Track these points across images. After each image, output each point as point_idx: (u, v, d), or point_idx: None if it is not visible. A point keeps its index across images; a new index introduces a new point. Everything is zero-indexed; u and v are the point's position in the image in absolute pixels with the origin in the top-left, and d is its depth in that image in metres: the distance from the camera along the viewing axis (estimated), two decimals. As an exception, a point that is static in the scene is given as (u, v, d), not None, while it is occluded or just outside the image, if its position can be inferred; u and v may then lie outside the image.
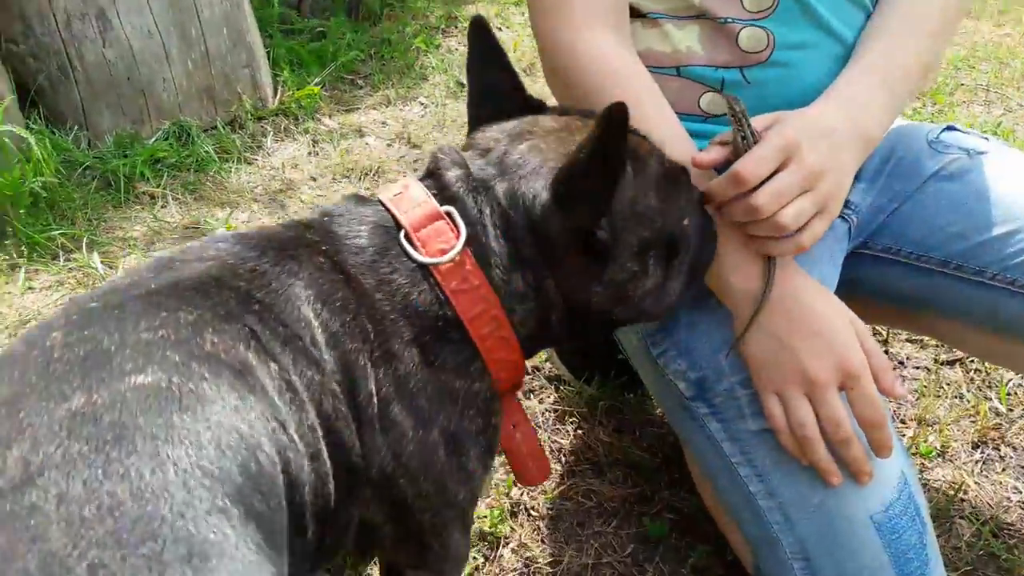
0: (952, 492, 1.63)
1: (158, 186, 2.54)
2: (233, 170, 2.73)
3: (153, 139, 2.75)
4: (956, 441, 1.76)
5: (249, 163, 2.79)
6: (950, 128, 1.46)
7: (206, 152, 2.72)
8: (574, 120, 1.03)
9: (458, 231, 0.92)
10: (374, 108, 3.28)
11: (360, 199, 0.99)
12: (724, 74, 1.28)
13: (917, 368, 1.99)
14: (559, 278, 0.96)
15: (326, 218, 0.95)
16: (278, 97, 3.20)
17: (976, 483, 1.66)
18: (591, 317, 1.00)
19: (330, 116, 3.17)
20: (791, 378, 1.10)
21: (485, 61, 1.07)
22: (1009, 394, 1.90)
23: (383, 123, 3.17)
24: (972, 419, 1.81)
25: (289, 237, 0.91)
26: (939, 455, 1.73)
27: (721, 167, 1.11)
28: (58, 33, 2.65)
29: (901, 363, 2.00)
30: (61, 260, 2.16)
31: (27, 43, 2.65)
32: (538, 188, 0.93)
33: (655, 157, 1.03)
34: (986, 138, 1.44)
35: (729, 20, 1.25)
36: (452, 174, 0.96)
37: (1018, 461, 1.73)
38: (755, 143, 1.05)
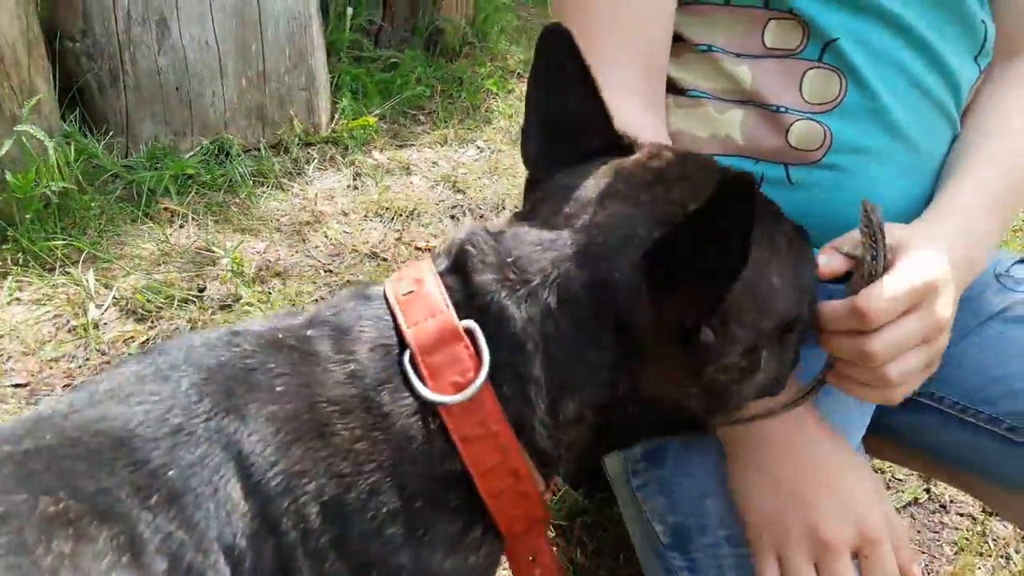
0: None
1: (182, 204, 2.46)
2: (265, 195, 2.63)
3: (190, 154, 2.68)
4: (995, 618, 1.52)
5: (285, 190, 2.69)
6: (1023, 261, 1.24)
7: (240, 173, 2.63)
8: (669, 167, 0.80)
9: (479, 359, 0.72)
10: (428, 146, 3.17)
11: (363, 297, 0.78)
12: (765, 169, 1.08)
13: (961, 515, 1.74)
14: (640, 378, 0.75)
15: (311, 330, 0.75)
16: (332, 125, 3.12)
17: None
18: (672, 418, 0.80)
19: (381, 150, 3.07)
20: (798, 539, 0.91)
21: (557, 77, 0.81)
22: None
23: (434, 163, 3.05)
24: (1019, 592, 1.58)
25: (243, 369, 0.71)
26: (971, 634, 1.50)
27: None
28: (116, 35, 2.59)
29: (943, 507, 1.76)
30: (56, 272, 2.08)
31: (84, 42, 2.60)
32: (623, 268, 0.72)
33: (778, 220, 0.83)
34: None
35: (782, 109, 1.05)
36: (484, 278, 0.74)
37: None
38: (884, 269, 0.87)
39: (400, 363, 0.72)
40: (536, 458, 0.75)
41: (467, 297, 0.74)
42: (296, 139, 2.94)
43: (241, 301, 2.08)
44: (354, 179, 2.84)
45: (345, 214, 2.62)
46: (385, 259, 2.40)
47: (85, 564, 0.58)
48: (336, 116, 3.16)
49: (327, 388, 0.71)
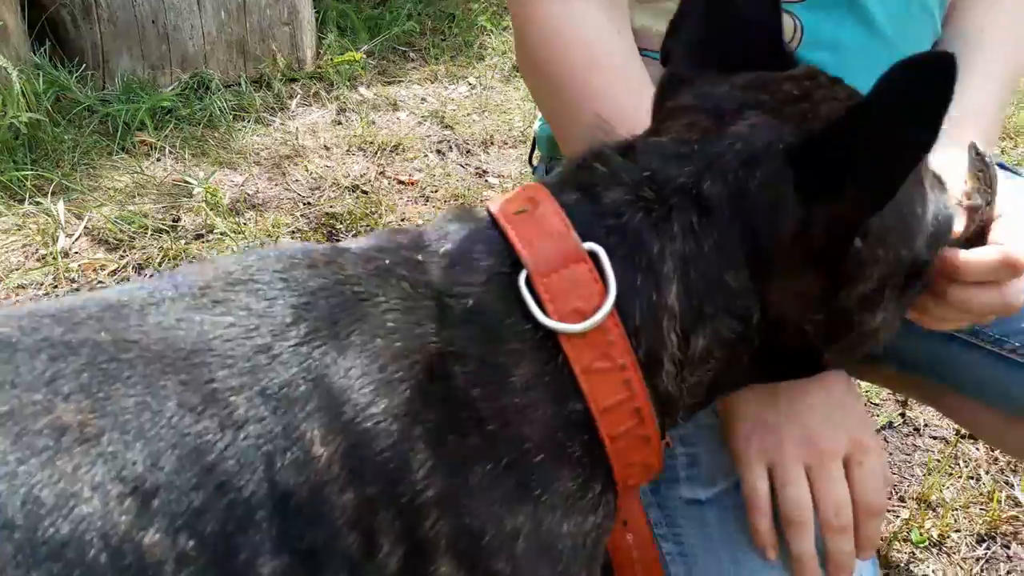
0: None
1: (159, 137, 2.43)
2: (246, 130, 2.58)
3: (169, 88, 2.64)
4: (960, 531, 1.49)
5: (266, 124, 2.64)
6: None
7: (220, 107, 2.60)
8: (820, 88, 0.73)
9: (604, 283, 0.64)
10: (418, 83, 3.11)
11: (468, 219, 0.70)
12: None
13: (934, 438, 1.70)
14: (768, 299, 0.68)
15: (421, 255, 0.67)
16: (317, 60, 3.07)
17: (971, 587, 1.40)
18: (791, 356, 0.75)
19: (368, 86, 3.01)
20: (793, 446, 0.87)
21: None
22: (1043, 487, 1.60)
23: (422, 99, 3.00)
24: (984, 507, 1.54)
25: (351, 297, 0.63)
26: (935, 545, 1.47)
27: None
28: (87, -33, 2.55)
29: (917, 430, 1.73)
30: (26, 203, 2.06)
31: (55, -26, 2.56)
32: (763, 175, 0.65)
33: None
34: (1009, 168, 1.17)
35: None
36: (616, 196, 0.67)
37: (1029, 564, 1.46)
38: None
39: (516, 288, 0.64)
40: (657, 402, 0.68)
41: (595, 216, 0.67)
42: (279, 74, 2.88)
43: (215, 231, 2.05)
44: (338, 114, 2.79)
45: (327, 148, 2.57)
46: (366, 192, 2.36)
47: (83, 491, 0.51)
48: (322, 52, 3.11)
49: (442, 326, 0.63)
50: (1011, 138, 3.29)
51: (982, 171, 0.79)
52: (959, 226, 0.79)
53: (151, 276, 1.86)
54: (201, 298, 0.61)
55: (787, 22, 0.98)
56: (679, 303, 0.66)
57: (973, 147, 0.79)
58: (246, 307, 0.61)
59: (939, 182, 0.77)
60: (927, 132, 0.60)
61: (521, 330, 0.64)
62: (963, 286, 0.79)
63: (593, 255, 0.65)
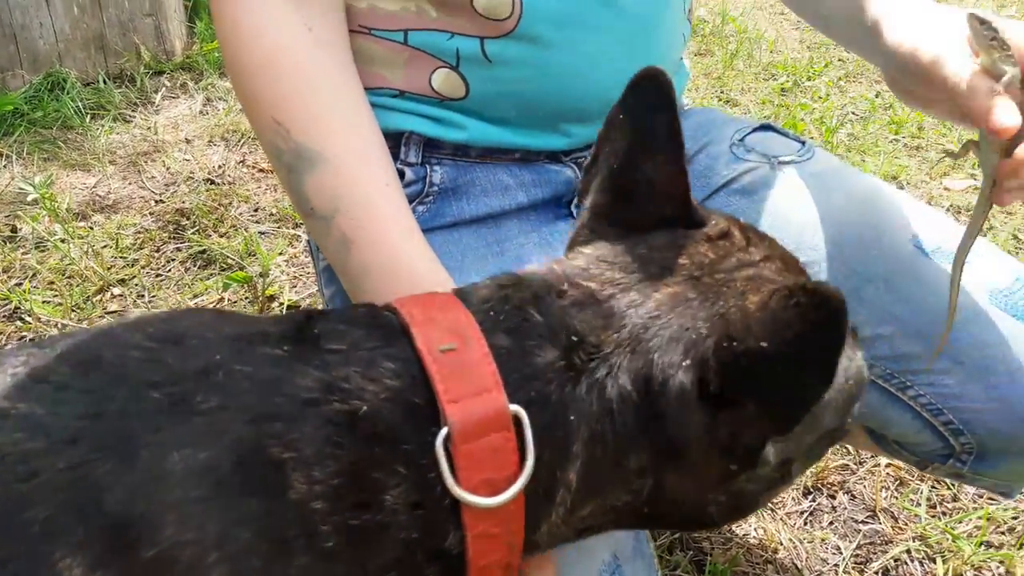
0: (761, 551, 1.38)
1: (5, 144, 2.36)
2: (104, 129, 2.52)
3: (21, 91, 2.57)
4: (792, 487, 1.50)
5: (127, 121, 2.58)
6: (764, 127, 1.16)
7: (75, 107, 2.53)
8: (736, 248, 0.70)
9: (520, 458, 0.60)
10: (293, 64, 3.05)
11: (381, 327, 0.63)
12: (460, 43, 0.97)
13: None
14: (667, 483, 0.67)
15: (288, 347, 0.59)
16: (188, 50, 3.00)
17: (791, 540, 1.41)
18: (686, 520, 0.73)
19: (240, 72, 2.95)
20: None
21: (643, 129, 0.71)
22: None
23: (297, 81, 2.95)
24: (815, 459, 1.55)
25: (165, 399, 0.54)
26: (764, 503, 1.47)
27: None
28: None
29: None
30: None
31: None
32: (674, 367, 0.62)
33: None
34: (802, 141, 1.15)
35: None
36: (549, 360, 0.62)
37: (851, 513, 1.45)
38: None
39: (431, 444, 0.59)
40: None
41: (523, 377, 0.62)
42: (144, 68, 2.82)
43: (55, 239, 2.00)
44: (204, 104, 2.74)
45: (188, 141, 2.52)
46: (216, 183, 2.30)
47: None
48: (193, 40, 3.04)
49: (289, 429, 0.55)
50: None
51: (994, 39, 0.74)
52: (1011, 118, 0.74)
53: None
54: None
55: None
56: (576, 480, 0.63)
57: (974, 18, 0.74)
58: (26, 417, 0.52)
59: (850, 337, 0.73)
60: (821, 380, 0.57)
61: (415, 462, 0.58)
62: None
63: (517, 421, 0.60)
